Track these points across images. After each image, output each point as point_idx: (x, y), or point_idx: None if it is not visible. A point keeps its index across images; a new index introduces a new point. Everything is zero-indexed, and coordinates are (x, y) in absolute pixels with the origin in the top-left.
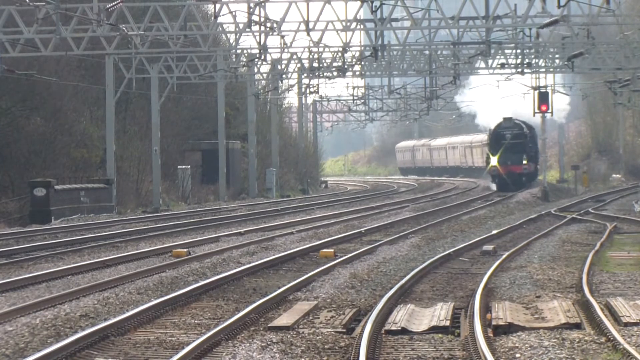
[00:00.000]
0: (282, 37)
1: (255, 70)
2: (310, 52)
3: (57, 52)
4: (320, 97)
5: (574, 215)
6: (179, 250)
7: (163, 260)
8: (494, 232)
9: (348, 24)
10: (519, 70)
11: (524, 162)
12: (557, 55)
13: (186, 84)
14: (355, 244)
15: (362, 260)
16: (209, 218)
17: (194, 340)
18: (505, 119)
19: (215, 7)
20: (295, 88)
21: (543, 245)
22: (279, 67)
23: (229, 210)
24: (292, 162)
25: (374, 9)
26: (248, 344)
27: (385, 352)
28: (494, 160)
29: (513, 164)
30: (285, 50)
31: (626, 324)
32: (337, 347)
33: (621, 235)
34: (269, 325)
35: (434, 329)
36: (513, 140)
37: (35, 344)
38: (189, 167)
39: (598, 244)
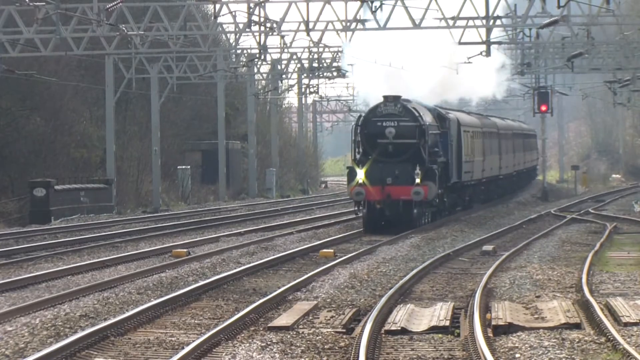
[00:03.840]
0: (282, 37)
1: (255, 70)
2: (310, 52)
3: (57, 52)
4: (320, 97)
5: (573, 216)
6: (178, 250)
7: (163, 261)
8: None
9: (348, 24)
10: (519, 70)
11: (417, 180)
12: (557, 55)
13: (186, 84)
14: (355, 244)
15: (362, 261)
16: (209, 218)
17: (194, 341)
18: (386, 98)
19: (215, 7)
20: (295, 88)
21: (543, 246)
22: (279, 67)
23: (228, 210)
24: (292, 162)
25: (373, 10)
26: (248, 344)
27: (385, 352)
28: (360, 175)
29: (395, 184)
30: (285, 50)
31: (626, 324)
32: (336, 347)
33: (621, 236)
34: (268, 325)
35: (433, 329)
36: (398, 140)
37: (35, 344)
38: (189, 167)
39: (598, 244)
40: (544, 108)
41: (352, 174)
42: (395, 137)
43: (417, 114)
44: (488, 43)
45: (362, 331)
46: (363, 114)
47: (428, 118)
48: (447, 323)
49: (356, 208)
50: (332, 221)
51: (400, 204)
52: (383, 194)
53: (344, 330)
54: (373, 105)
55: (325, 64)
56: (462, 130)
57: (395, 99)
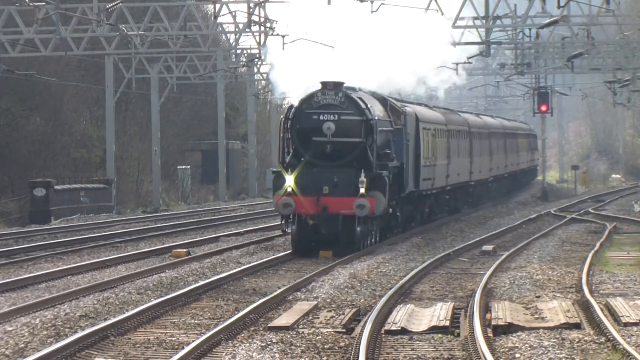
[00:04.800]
0: (283, 37)
1: (255, 70)
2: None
3: (57, 52)
4: None
5: (573, 216)
6: (178, 250)
7: (163, 261)
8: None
9: None
10: (519, 70)
11: (361, 189)
12: (556, 55)
13: (186, 84)
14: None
15: (362, 260)
16: (209, 218)
17: (194, 341)
18: (325, 85)
19: (215, 7)
20: None
21: (543, 246)
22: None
23: (228, 210)
24: None
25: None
26: (248, 344)
27: (385, 352)
28: (289, 181)
29: (334, 194)
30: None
31: (626, 324)
32: (336, 347)
33: (621, 236)
34: (268, 325)
35: (433, 329)
36: (339, 138)
37: (35, 344)
38: (188, 167)
39: (598, 244)
40: (544, 108)
41: (278, 180)
42: (335, 135)
43: (363, 106)
44: (488, 43)
45: (362, 331)
46: (295, 105)
47: (378, 111)
48: (447, 323)
49: (283, 222)
50: None
51: (339, 219)
52: (318, 207)
53: (344, 330)
54: (308, 93)
55: None
56: (421, 127)
57: (337, 86)
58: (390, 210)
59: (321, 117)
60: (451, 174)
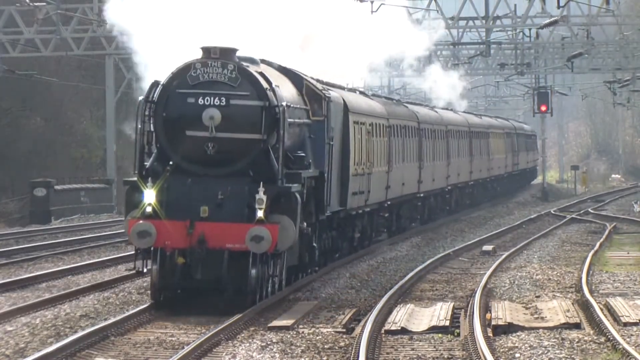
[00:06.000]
0: None
1: None
2: None
3: (57, 52)
4: None
5: (573, 216)
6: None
7: None
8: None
9: None
10: (519, 70)
11: (259, 213)
12: (556, 56)
13: None
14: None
15: (362, 261)
16: None
17: (194, 340)
18: (208, 52)
19: None
20: None
21: (542, 246)
22: None
23: None
24: None
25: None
26: (248, 344)
27: (385, 351)
28: (148, 198)
29: (216, 218)
30: None
31: (625, 324)
32: (336, 347)
33: (620, 236)
34: (269, 325)
35: (433, 329)
36: (226, 133)
37: (35, 344)
38: None
39: (597, 244)
40: (543, 108)
41: (133, 195)
42: (220, 128)
43: (265, 85)
44: (488, 43)
45: (362, 331)
46: (161, 82)
47: (288, 94)
48: (447, 323)
49: (137, 258)
50: None
51: (224, 258)
52: (191, 238)
53: (344, 330)
54: (182, 65)
55: None
56: (352, 120)
57: (226, 54)
58: (303, 241)
59: (200, 101)
60: (393, 184)
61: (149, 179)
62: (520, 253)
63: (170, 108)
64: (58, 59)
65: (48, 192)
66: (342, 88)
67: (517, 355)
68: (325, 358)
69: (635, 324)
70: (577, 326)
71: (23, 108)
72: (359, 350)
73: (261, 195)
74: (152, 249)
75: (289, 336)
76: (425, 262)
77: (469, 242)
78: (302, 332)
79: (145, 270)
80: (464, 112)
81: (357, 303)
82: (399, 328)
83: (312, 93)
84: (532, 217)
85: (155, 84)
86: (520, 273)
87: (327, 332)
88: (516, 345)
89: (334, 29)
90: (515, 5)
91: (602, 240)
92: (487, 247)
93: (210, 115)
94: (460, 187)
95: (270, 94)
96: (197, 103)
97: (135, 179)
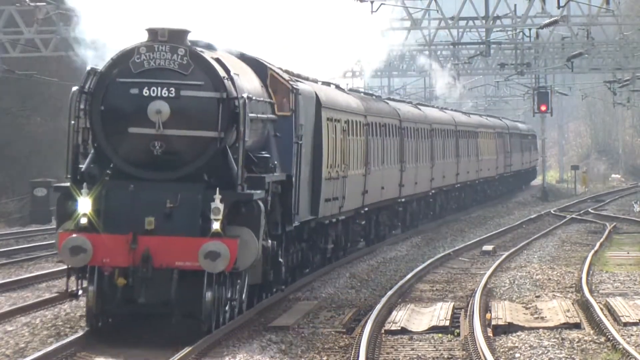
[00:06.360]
0: None
1: None
2: None
3: (57, 52)
4: None
5: (573, 216)
6: None
7: None
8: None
9: None
10: (519, 70)
11: (215, 225)
12: (556, 56)
13: None
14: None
15: (362, 261)
16: None
17: (194, 340)
18: (154, 34)
19: None
20: None
21: (542, 245)
22: None
23: None
24: None
25: (373, 10)
26: (248, 344)
27: (385, 351)
28: (83, 207)
29: (163, 232)
30: None
31: (625, 324)
32: (337, 347)
33: (620, 235)
34: (269, 325)
35: (433, 329)
36: (176, 130)
37: (35, 344)
38: None
39: (597, 244)
40: (543, 108)
41: (65, 204)
42: (169, 124)
43: (222, 74)
44: (488, 43)
45: (362, 331)
46: (99, 69)
47: (249, 85)
48: (447, 323)
49: (70, 278)
50: None
51: (173, 278)
52: (134, 255)
53: (344, 330)
54: (123, 49)
55: None
56: (325, 117)
57: (176, 36)
58: (266, 257)
59: (145, 92)
60: (371, 189)
61: (84, 184)
62: (520, 253)
63: (109, 100)
64: (58, 59)
65: (48, 192)
66: (315, 81)
67: (517, 355)
68: (325, 358)
69: (635, 324)
70: (577, 326)
71: (23, 108)
72: (359, 351)
73: (217, 203)
74: (87, 267)
75: (289, 336)
76: (425, 262)
77: (469, 242)
78: (302, 332)
79: (80, 291)
80: (451, 109)
81: (357, 303)
82: (399, 328)
83: (277, 84)
84: (532, 217)
85: (91, 71)
86: (520, 273)
87: (327, 332)
88: (516, 345)
89: (325, 25)
90: (515, 5)
91: (602, 240)
92: (487, 247)
93: (157, 108)
94: (446, 190)
95: (228, 83)
96: (142, 94)
97: (68, 184)
